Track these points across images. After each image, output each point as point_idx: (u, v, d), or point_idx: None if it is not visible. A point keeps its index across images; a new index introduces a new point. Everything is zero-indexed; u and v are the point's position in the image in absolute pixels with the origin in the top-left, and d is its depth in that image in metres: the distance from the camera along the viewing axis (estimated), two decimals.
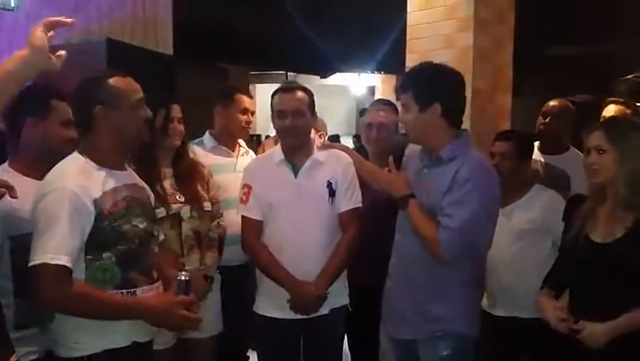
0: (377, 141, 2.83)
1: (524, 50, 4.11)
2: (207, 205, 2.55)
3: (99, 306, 1.73)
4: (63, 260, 1.66)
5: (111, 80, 1.83)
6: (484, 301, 2.74)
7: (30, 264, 1.66)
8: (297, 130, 2.43)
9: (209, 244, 2.54)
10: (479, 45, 3.42)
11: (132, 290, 1.83)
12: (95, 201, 1.75)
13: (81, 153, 1.84)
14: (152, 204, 2.07)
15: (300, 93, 2.46)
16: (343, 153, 2.66)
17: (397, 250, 2.25)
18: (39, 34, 1.55)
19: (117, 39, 3.59)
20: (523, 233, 2.62)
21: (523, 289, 2.57)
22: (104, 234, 1.75)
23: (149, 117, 1.93)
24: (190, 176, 2.49)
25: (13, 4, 3.53)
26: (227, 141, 3.04)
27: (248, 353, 3.25)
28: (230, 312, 2.67)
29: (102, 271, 1.77)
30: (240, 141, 3.14)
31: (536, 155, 3.12)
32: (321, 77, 9.61)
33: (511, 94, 3.78)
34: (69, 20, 1.66)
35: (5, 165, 2.14)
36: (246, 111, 3.04)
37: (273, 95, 2.50)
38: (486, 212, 2.10)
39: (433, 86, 2.12)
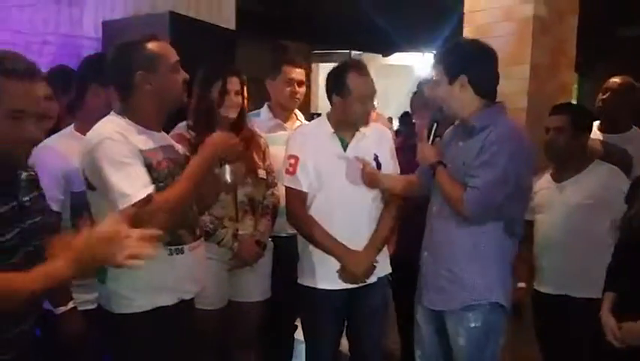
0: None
1: (592, 27, 3.94)
2: (262, 173, 2.61)
3: None
4: (151, 189, 1.77)
5: (149, 45, 1.88)
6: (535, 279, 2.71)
7: (121, 207, 1.71)
8: (370, 113, 2.50)
9: (263, 211, 2.61)
10: (540, 17, 3.30)
11: (180, 247, 1.92)
12: (141, 152, 1.84)
13: (118, 115, 1.91)
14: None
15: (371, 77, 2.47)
16: (382, 126, 2.72)
17: (433, 221, 2.28)
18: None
19: (181, 13, 3.70)
20: (579, 209, 2.53)
21: (574, 267, 2.52)
22: (157, 188, 1.82)
23: (187, 79, 1.97)
24: (247, 145, 2.50)
25: None
26: (280, 113, 3.06)
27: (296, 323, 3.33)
28: (280, 281, 2.72)
29: None
30: (297, 112, 3.15)
31: (596, 135, 3.02)
32: (383, 56, 9.54)
33: (578, 74, 3.62)
34: None
35: (71, 128, 2.30)
36: (292, 82, 3.00)
37: (341, 72, 2.42)
38: (514, 175, 2.10)
39: (460, 58, 2.19)
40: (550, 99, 3.34)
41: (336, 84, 2.45)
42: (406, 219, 2.62)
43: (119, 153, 1.78)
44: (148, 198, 1.75)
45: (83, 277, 1.49)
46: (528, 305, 2.71)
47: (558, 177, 2.61)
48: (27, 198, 1.51)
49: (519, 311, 2.60)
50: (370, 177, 2.45)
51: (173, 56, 1.93)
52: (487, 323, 2.17)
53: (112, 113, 1.93)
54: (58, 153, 2.15)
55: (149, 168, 1.84)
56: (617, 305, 2.06)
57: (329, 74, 2.50)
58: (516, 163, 2.10)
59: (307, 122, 3.15)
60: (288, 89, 3.02)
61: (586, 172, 2.59)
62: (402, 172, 2.60)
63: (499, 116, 2.19)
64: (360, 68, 2.45)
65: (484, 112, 2.18)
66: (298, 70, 3.04)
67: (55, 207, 2.01)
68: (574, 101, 4.52)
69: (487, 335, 2.19)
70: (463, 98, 2.17)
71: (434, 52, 8.08)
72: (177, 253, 1.91)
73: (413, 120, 3.17)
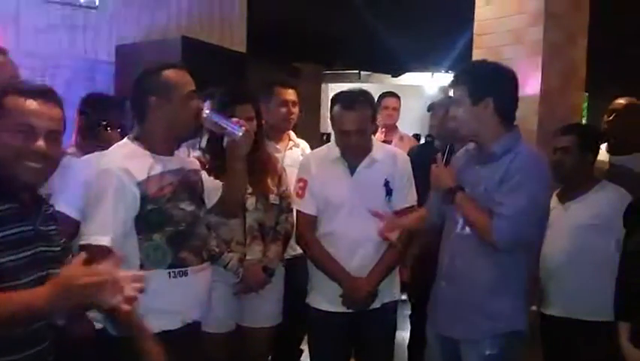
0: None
1: (601, 48, 3.94)
2: (273, 198, 2.59)
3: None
4: (104, 241, 1.77)
5: (165, 72, 1.93)
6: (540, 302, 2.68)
7: (79, 243, 1.77)
8: (360, 146, 2.45)
9: (274, 236, 2.58)
10: (550, 40, 3.30)
11: (184, 269, 1.92)
12: (139, 184, 1.85)
13: (132, 140, 1.96)
14: (202, 186, 2.12)
15: (360, 111, 2.40)
16: (400, 151, 2.68)
17: (451, 249, 2.21)
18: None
19: (193, 37, 3.75)
20: (585, 229, 2.51)
21: (580, 289, 2.50)
22: (150, 216, 1.85)
23: (200, 109, 1.99)
24: (262, 169, 2.50)
25: (97, 3, 3.75)
26: (273, 135, 3.05)
27: (302, 347, 3.31)
28: (288, 303, 2.70)
29: (154, 250, 1.87)
30: (291, 133, 3.15)
31: (604, 156, 3.01)
32: (392, 76, 9.58)
33: (588, 95, 3.61)
34: None
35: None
36: (286, 103, 3.04)
37: (333, 104, 2.46)
38: (538, 201, 2.07)
39: (487, 80, 2.12)
40: (561, 121, 3.33)
41: (330, 115, 2.50)
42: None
43: (103, 188, 1.82)
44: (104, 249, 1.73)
45: (62, 311, 1.39)
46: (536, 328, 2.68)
47: (564, 197, 2.60)
48: (44, 228, 1.52)
49: (530, 335, 2.57)
50: (387, 227, 2.38)
51: (189, 86, 1.96)
52: (503, 349, 2.11)
53: (126, 138, 1.98)
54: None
55: (144, 199, 1.86)
56: (635, 335, 1.99)
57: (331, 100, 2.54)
58: (543, 189, 2.09)
59: (302, 141, 3.18)
60: (284, 110, 3.05)
61: (592, 192, 2.58)
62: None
63: (519, 141, 2.15)
64: (345, 105, 2.42)
65: (504, 137, 2.12)
66: (290, 91, 3.09)
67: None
68: (584, 122, 4.51)
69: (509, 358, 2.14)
70: (486, 121, 2.10)
71: (446, 71, 7.99)
72: (181, 276, 1.92)
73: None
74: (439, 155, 2.21)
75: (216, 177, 2.20)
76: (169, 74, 1.93)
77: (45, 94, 1.47)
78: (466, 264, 2.15)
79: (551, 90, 3.36)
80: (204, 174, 2.17)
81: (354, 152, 2.47)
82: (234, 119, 2.04)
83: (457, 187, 2.13)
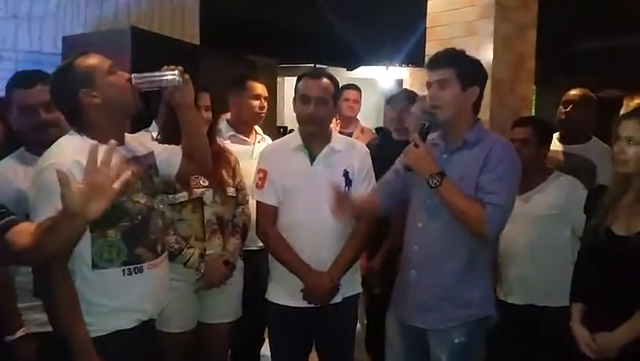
0: None
1: (550, 41, 4.04)
2: (231, 191, 2.57)
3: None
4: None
5: (80, 62, 1.84)
6: (499, 290, 2.74)
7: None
8: (317, 118, 2.39)
9: (233, 230, 2.56)
10: (500, 32, 3.37)
11: (139, 266, 1.86)
12: None
13: (77, 132, 1.85)
14: (155, 172, 2.05)
15: (325, 81, 2.41)
16: (360, 142, 2.66)
17: (421, 237, 2.19)
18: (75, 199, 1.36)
19: (143, 28, 3.65)
20: (542, 219, 2.59)
21: (540, 276, 2.58)
22: (105, 211, 1.79)
23: (127, 78, 1.89)
24: (216, 161, 2.45)
25: None
26: (243, 128, 3.09)
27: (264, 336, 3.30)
28: (249, 296, 2.69)
29: (108, 248, 1.80)
30: (257, 128, 3.17)
31: (556, 145, 3.09)
32: (347, 70, 9.61)
33: (536, 86, 3.70)
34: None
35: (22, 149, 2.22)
36: (258, 97, 3.09)
37: (298, 79, 2.45)
38: (516, 190, 2.14)
39: (474, 68, 2.14)
40: (511, 112, 3.42)
41: (295, 92, 2.46)
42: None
43: (52, 184, 1.68)
44: None
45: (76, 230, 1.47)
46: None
47: (521, 188, 2.65)
48: None
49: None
50: (338, 200, 2.25)
51: (106, 62, 1.87)
52: (471, 336, 2.12)
53: (70, 132, 1.88)
54: (4, 177, 2.08)
55: None
56: (587, 315, 2.06)
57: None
58: (519, 179, 2.14)
59: (265, 136, 3.18)
60: (256, 103, 3.08)
61: (547, 183, 2.66)
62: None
63: (486, 131, 2.19)
64: (311, 74, 2.44)
65: (476, 126, 2.15)
66: (261, 85, 3.13)
67: None
68: (533, 113, 4.63)
69: (470, 349, 2.15)
70: (465, 108, 2.11)
71: (400, 65, 8.01)
72: (136, 273, 1.86)
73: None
74: (416, 135, 2.13)
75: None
76: (84, 61, 1.84)
77: None
78: (438, 252, 2.14)
79: (502, 82, 3.42)
80: (156, 145, 2.10)
81: (313, 129, 2.41)
82: (165, 67, 1.93)
83: (441, 172, 2.04)
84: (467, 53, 2.16)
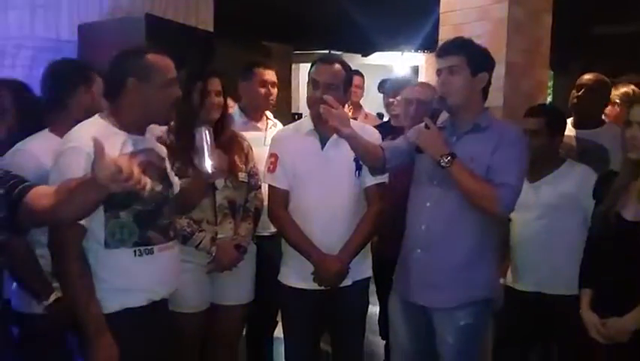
0: (414, 117, 2.80)
1: (566, 25, 3.99)
2: (243, 176, 2.59)
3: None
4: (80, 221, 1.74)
5: (148, 55, 1.90)
6: (508, 276, 2.74)
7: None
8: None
9: (245, 214, 2.59)
10: (514, 17, 3.34)
11: (150, 248, 1.92)
12: None
13: (104, 117, 1.92)
14: (167, 165, 2.14)
15: (337, 66, 2.43)
16: (369, 126, 2.68)
17: (429, 217, 2.21)
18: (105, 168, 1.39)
19: (158, 15, 3.69)
20: (552, 208, 2.58)
21: (549, 265, 2.56)
22: (120, 195, 1.78)
23: (179, 97, 1.98)
24: (228, 147, 2.48)
25: None
26: (253, 115, 3.12)
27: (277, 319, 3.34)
28: (263, 279, 2.73)
29: (120, 228, 1.86)
30: (268, 113, 3.19)
31: (570, 130, 3.07)
32: (362, 56, 9.57)
33: (553, 72, 3.64)
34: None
35: (46, 130, 2.28)
36: (265, 83, 3.10)
37: (312, 65, 2.48)
38: (525, 174, 2.19)
39: (484, 55, 2.20)
40: (526, 97, 3.38)
41: (308, 77, 2.47)
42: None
43: (73, 165, 1.76)
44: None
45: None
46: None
47: (532, 177, 2.64)
48: None
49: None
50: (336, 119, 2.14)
51: (171, 73, 1.93)
52: (477, 318, 2.16)
53: (97, 115, 1.94)
54: (32, 155, 2.13)
55: None
56: (596, 301, 2.07)
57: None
58: (527, 162, 2.20)
59: (276, 121, 3.20)
60: (263, 90, 3.09)
61: (559, 172, 2.64)
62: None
63: (495, 118, 2.26)
64: (323, 60, 2.46)
65: (485, 112, 2.22)
66: (270, 71, 3.13)
67: None
68: (549, 99, 4.58)
69: (476, 331, 2.19)
70: (475, 94, 2.18)
71: (415, 50, 7.93)
72: (147, 254, 1.92)
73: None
74: (427, 118, 2.19)
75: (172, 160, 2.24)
76: (151, 57, 1.90)
77: None
78: (445, 231, 2.17)
79: (516, 66, 3.39)
80: (168, 166, 2.17)
81: (320, 116, 2.38)
82: (216, 157, 2.03)
83: (452, 153, 2.08)
84: (481, 37, 2.20)
